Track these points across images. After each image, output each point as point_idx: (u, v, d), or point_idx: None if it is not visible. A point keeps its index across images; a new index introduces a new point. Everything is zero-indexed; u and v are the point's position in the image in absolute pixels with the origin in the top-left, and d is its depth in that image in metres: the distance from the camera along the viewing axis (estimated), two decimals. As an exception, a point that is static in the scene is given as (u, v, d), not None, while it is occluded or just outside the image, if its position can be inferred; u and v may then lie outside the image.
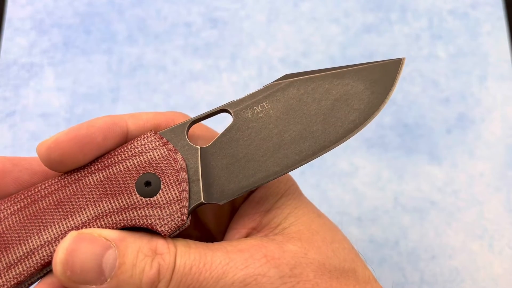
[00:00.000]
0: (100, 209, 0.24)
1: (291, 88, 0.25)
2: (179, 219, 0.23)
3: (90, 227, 0.23)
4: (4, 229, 0.24)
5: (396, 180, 0.44)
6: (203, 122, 0.26)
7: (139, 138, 0.24)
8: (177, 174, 0.24)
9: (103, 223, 0.23)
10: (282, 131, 0.25)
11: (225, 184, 0.24)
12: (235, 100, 0.26)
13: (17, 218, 0.24)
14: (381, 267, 0.42)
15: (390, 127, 0.46)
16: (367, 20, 0.50)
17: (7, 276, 0.23)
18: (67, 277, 0.22)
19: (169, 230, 0.23)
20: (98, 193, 0.24)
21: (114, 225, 0.24)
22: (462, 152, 0.45)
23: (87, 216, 0.24)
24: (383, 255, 0.42)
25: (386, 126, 0.46)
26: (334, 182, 0.44)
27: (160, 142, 0.24)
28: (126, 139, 0.25)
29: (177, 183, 0.24)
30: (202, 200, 0.24)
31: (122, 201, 0.24)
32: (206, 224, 0.30)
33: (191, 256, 0.23)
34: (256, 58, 0.48)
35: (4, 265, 0.23)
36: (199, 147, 0.25)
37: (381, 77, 0.26)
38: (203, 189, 0.24)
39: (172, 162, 0.24)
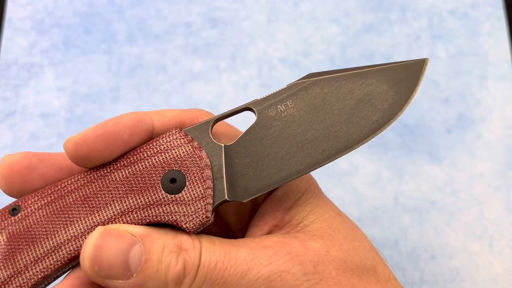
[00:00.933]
0: (126, 205, 0.24)
1: (314, 87, 0.25)
2: (204, 216, 0.24)
3: (116, 222, 0.24)
4: (32, 223, 0.24)
5: (396, 180, 0.44)
6: (226, 120, 0.27)
7: (164, 135, 0.25)
8: (202, 171, 0.24)
9: (128, 219, 0.24)
10: (305, 130, 0.25)
11: (248, 182, 0.25)
12: (258, 98, 0.26)
13: (44, 213, 0.24)
14: (381, 267, 0.42)
15: (390, 127, 0.46)
16: (367, 20, 0.50)
17: (34, 270, 0.24)
18: (95, 272, 0.22)
19: (194, 227, 0.24)
20: (124, 189, 0.24)
21: (140, 221, 0.24)
22: (462, 152, 0.45)
23: (113, 211, 0.24)
24: (383, 255, 0.42)
25: (386, 126, 0.46)
26: (334, 182, 0.44)
27: (185, 140, 0.24)
28: (151, 136, 0.26)
29: (202, 180, 0.24)
30: (226, 197, 0.24)
31: (148, 198, 0.24)
32: (227, 221, 0.30)
33: (216, 252, 0.23)
34: (256, 58, 0.48)
35: (32, 259, 0.24)
36: (223, 145, 0.25)
37: (404, 77, 0.26)
38: (227, 187, 0.24)
39: (197, 159, 0.24)
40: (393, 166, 0.45)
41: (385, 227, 0.43)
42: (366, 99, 0.25)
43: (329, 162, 0.25)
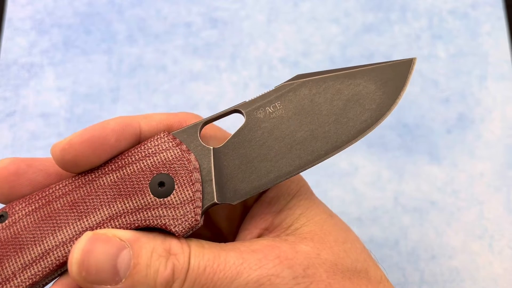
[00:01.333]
0: (114, 210, 0.24)
1: (303, 89, 0.25)
2: (193, 219, 0.23)
3: (105, 227, 0.24)
4: (19, 230, 0.24)
5: (396, 180, 0.44)
6: (215, 122, 0.26)
7: (152, 139, 0.25)
8: (190, 174, 0.24)
9: (117, 223, 0.24)
10: (294, 131, 0.25)
11: (238, 184, 0.25)
12: (247, 100, 0.26)
13: (32, 219, 0.24)
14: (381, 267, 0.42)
15: (390, 127, 0.46)
16: (367, 20, 0.50)
17: (22, 277, 0.23)
18: (82, 277, 0.22)
19: (183, 230, 0.23)
20: (112, 194, 0.24)
21: (128, 225, 0.24)
22: (462, 152, 0.45)
23: (102, 216, 0.24)
24: (383, 255, 0.42)
25: (386, 126, 0.46)
26: (334, 182, 0.44)
27: (174, 143, 0.24)
28: (139, 140, 0.25)
29: (190, 183, 0.24)
30: (216, 200, 0.24)
31: (136, 202, 0.24)
32: (218, 224, 0.30)
33: (205, 256, 0.23)
34: (256, 58, 0.48)
35: (20, 266, 0.23)
36: (211, 147, 0.25)
37: (392, 77, 0.26)
38: (216, 190, 0.24)
39: (186, 162, 0.24)
40: (393, 166, 0.45)
41: (385, 227, 0.43)
42: (354, 100, 0.25)
43: (318, 163, 0.25)
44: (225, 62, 0.48)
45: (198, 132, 0.25)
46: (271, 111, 0.25)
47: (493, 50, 0.48)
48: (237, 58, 0.49)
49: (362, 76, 0.25)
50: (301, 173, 0.27)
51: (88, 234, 0.22)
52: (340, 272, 0.24)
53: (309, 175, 0.45)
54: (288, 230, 0.26)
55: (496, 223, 0.43)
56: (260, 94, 0.26)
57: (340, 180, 0.44)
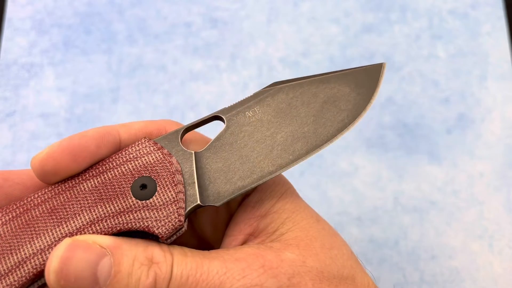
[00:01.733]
0: (95, 214, 0.23)
1: (280, 94, 0.27)
2: (177, 220, 0.23)
3: (85, 232, 0.23)
4: None
5: (396, 180, 0.44)
6: (195, 130, 0.27)
7: (133, 145, 0.25)
8: (172, 176, 0.24)
9: (98, 228, 0.23)
10: (274, 133, 0.26)
11: (221, 186, 0.25)
12: (226, 107, 0.26)
13: (9, 228, 0.23)
14: (381, 267, 0.42)
15: (390, 127, 0.46)
16: (367, 20, 0.50)
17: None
18: (60, 286, 0.21)
19: (167, 232, 0.23)
20: (93, 199, 0.23)
21: (110, 229, 0.23)
22: (462, 152, 0.45)
23: (82, 221, 0.23)
24: (383, 255, 0.42)
25: (386, 126, 0.46)
26: (334, 182, 0.44)
27: (155, 147, 0.24)
28: (119, 148, 0.25)
29: (173, 184, 0.23)
30: (199, 202, 0.24)
31: (118, 205, 0.23)
32: (203, 233, 0.30)
33: (188, 265, 0.22)
34: (256, 58, 0.48)
35: None
36: (193, 151, 0.25)
37: (365, 80, 0.27)
38: (199, 192, 0.24)
39: (168, 164, 0.24)
40: (393, 166, 0.45)
41: (385, 227, 0.43)
42: (330, 101, 0.26)
43: (300, 162, 0.26)
44: (225, 62, 0.48)
45: (179, 138, 0.25)
46: (250, 115, 0.26)
47: (493, 50, 0.48)
48: (237, 58, 0.49)
49: (336, 81, 0.27)
50: (286, 176, 0.28)
51: (67, 240, 0.22)
52: (326, 280, 0.24)
53: (309, 175, 0.45)
54: (273, 236, 0.25)
55: (496, 223, 0.43)
56: (238, 101, 0.27)
57: (340, 180, 0.44)
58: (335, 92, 0.27)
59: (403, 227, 0.43)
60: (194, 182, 0.24)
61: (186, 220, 0.24)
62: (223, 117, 0.26)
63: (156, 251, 0.23)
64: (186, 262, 0.22)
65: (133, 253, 0.22)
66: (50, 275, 0.21)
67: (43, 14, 0.50)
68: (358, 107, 0.26)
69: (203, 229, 0.30)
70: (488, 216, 0.43)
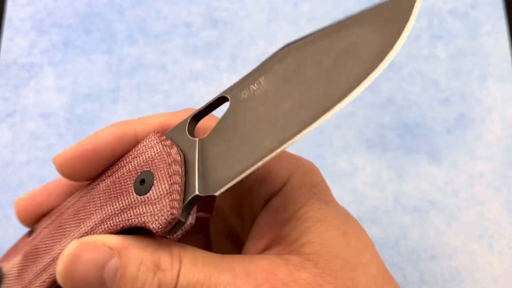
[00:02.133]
0: (105, 213, 0.23)
1: (289, 57, 0.23)
2: (169, 213, 0.21)
3: (96, 231, 0.23)
4: (38, 241, 0.25)
5: (396, 180, 0.44)
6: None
7: (143, 141, 0.24)
8: (168, 167, 0.22)
9: (105, 226, 0.23)
10: (279, 104, 0.22)
11: (221, 173, 0.22)
12: (233, 84, 0.24)
13: (48, 230, 0.25)
14: (381, 267, 0.42)
15: (390, 127, 0.46)
16: (367, 20, 0.49)
17: (35, 284, 0.24)
18: (67, 287, 0.21)
19: (160, 226, 0.21)
20: (104, 198, 0.24)
21: (115, 226, 0.23)
22: (462, 152, 0.45)
23: (94, 221, 0.24)
24: (383, 255, 0.42)
25: (386, 126, 0.46)
26: (334, 182, 0.44)
27: (158, 140, 0.23)
28: (136, 145, 0.25)
29: (168, 176, 0.22)
30: (197, 192, 0.22)
31: (122, 202, 0.23)
32: (231, 225, 0.29)
33: (195, 276, 0.21)
34: (256, 58, 0.48)
35: (34, 274, 0.24)
36: (197, 139, 0.23)
37: (392, 14, 0.21)
38: (199, 181, 0.22)
39: (165, 156, 0.23)
40: (393, 166, 0.45)
41: (385, 227, 0.43)
42: (346, 52, 0.21)
43: (306, 133, 0.21)
44: (225, 62, 0.48)
45: (186, 127, 0.24)
46: (255, 88, 0.23)
47: (493, 50, 0.48)
48: (237, 58, 0.49)
49: (355, 24, 0.21)
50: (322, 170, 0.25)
51: (75, 242, 0.21)
52: None
53: (309, 175, 0.45)
54: (293, 246, 0.23)
55: (496, 223, 0.43)
56: (247, 73, 0.23)
57: (340, 180, 0.44)
58: (353, 38, 0.21)
59: (403, 227, 0.43)
60: (195, 172, 0.22)
61: (193, 213, 0.22)
62: (227, 96, 0.23)
63: (164, 257, 0.22)
64: (194, 272, 0.21)
65: (141, 256, 0.21)
66: (58, 277, 0.21)
67: (43, 14, 0.50)
68: (383, 49, 0.20)
69: (231, 222, 0.29)
70: (488, 216, 0.43)
